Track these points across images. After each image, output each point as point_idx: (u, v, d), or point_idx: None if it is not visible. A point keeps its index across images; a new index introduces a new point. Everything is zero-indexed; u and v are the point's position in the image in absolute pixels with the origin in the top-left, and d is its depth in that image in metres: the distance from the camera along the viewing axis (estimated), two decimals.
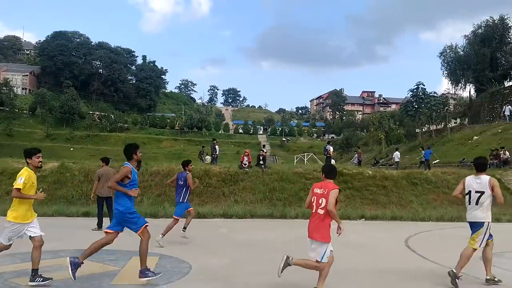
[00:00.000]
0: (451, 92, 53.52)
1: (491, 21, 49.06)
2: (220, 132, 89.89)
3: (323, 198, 5.75)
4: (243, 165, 19.54)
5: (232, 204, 16.65)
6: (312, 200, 5.88)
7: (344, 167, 21.88)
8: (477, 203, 6.54)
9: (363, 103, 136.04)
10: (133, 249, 8.86)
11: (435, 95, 44.30)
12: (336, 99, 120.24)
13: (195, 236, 10.54)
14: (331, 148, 28.63)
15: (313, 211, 5.88)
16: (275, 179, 19.02)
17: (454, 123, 55.11)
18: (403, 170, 24.17)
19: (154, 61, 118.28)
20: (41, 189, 6.18)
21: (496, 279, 6.66)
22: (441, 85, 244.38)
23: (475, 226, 6.57)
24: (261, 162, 20.08)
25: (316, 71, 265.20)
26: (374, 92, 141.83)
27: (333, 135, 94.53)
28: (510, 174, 22.75)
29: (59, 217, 14.35)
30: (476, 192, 6.58)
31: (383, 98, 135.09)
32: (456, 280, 6.36)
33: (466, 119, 52.11)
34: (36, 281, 5.75)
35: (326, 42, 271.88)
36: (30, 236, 5.87)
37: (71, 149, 65.78)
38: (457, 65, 49.57)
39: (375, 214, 16.48)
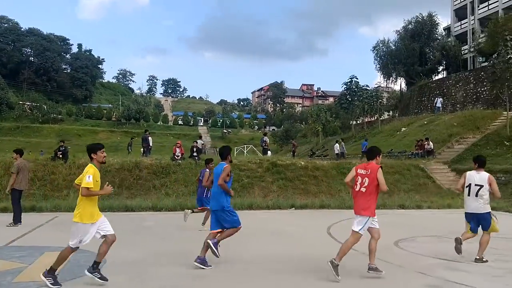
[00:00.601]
0: (382, 85, 55.86)
1: (420, 17, 51.61)
2: (159, 123, 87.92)
3: (366, 178, 6.28)
4: (176, 157, 19.29)
5: (163, 197, 16.40)
6: (357, 180, 6.41)
7: (278, 159, 22.22)
8: (476, 195, 7.36)
9: (302, 96, 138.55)
10: (47, 245, 8.51)
11: (367, 88, 45.95)
12: (276, 91, 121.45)
13: (118, 230, 10.25)
14: (268, 140, 29.09)
15: (356, 189, 6.39)
16: None
17: (388, 115, 57.59)
18: (334, 161, 24.95)
19: (90, 50, 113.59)
20: (107, 183, 5.88)
21: (485, 259, 7.49)
22: (377, 79, 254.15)
23: (483, 217, 7.42)
24: (195, 153, 19.93)
25: (258, 63, 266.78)
26: (313, 85, 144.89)
27: (274, 127, 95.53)
28: (433, 164, 24.14)
29: None
30: (476, 185, 7.39)
31: (322, 91, 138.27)
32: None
33: (397, 112, 54.66)
34: (94, 275, 5.70)
35: (268, 34, 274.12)
36: (103, 235, 5.79)
37: None
38: (389, 59, 51.73)
39: (305, 203, 16.88)
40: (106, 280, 5.74)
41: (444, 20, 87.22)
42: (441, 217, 14.82)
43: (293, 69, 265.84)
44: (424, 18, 51.31)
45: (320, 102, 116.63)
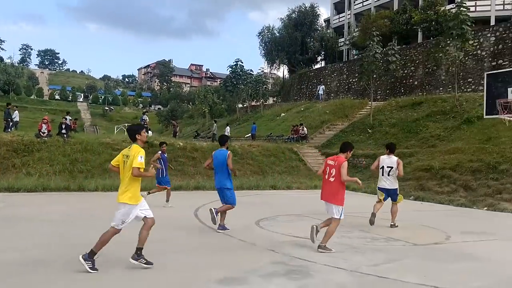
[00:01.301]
0: (265, 71, 57.58)
1: (303, 7, 53.87)
2: (32, 97, 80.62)
3: (334, 169, 6.98)
4: (41, 134, 17.84)
5: (23, 177, 15.06)
6: (326, 170, 7.14)
7: (155, 138, 21.76)
8: (388, 174, 9.35)
9: (191, 76, 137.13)
10: None
11: (252, 72, 46.98)
12: (163, 69, 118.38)
13: None
14: (147, 118, 28.34)
15: (326, 178, 7.12)
16: (78, 150, 17.86)
17: (273, 100, 59.64)
18: (213, 142, 25.16)
19: None
20: (151, 166, 6.03)
21: (396, 225, 9.58)
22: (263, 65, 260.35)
23: (393, 192, 9.53)
24: (63, 130, 18.63)
25: (146, 39, 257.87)
26: (202, 65, 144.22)
27: (159, 106, 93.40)
28: (306, 148, 25.65)
29: None
30: (388, 167, 9.34)
31: (211, 72, 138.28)
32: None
33: (280, 97, 56.89)
34: (139, 261, 5.70)
35: (158, 10, 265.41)
36: (144, 216, 5.79)
37: None
38: (273, 46, 53.33)
39: (179, 185, 16.80)
40: (152, 264, 5.74)
41: (325, 12, 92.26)
42: (307, 197, 15.79)
43: (183, 49, 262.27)
44: (307, 8, 53.66)
45: (208, 83, 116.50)
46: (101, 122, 73.56)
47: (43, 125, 18.12)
